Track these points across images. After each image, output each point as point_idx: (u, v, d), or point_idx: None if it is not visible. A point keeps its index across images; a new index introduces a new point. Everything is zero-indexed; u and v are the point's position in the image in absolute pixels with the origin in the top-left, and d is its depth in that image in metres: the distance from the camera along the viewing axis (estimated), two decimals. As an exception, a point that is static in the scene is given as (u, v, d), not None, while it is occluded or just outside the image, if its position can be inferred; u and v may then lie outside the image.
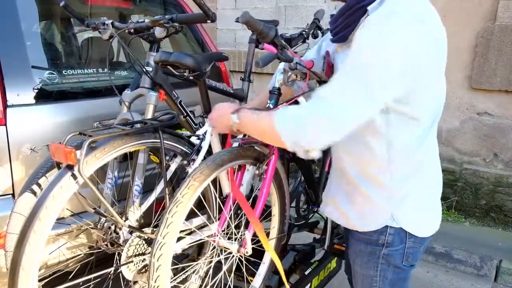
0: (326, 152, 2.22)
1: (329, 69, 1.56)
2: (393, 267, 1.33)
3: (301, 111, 1.17)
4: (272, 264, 1.79)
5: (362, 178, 1.29)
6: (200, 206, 1.55)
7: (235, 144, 1.53)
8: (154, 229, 1.59)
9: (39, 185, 1.46)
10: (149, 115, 1.69)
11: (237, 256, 1.53)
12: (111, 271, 1.57)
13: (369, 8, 1.16)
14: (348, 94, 1.08)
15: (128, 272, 1.57)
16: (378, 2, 1.15)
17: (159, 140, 1.53)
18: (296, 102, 2.10)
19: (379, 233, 1.30)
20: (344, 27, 1.24)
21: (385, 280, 1.35)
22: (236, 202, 1.53)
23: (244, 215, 1.56)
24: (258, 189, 1.61)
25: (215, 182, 1.53)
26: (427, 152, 1.29)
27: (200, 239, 1.58)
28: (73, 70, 2.05)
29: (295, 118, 1.14)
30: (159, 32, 1.67)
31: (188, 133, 1.82)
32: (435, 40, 1.15)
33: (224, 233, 1.52)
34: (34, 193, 1.44)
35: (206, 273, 1.58)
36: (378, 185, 1.27)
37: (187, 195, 1.28)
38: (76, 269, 1.69)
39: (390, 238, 1.29)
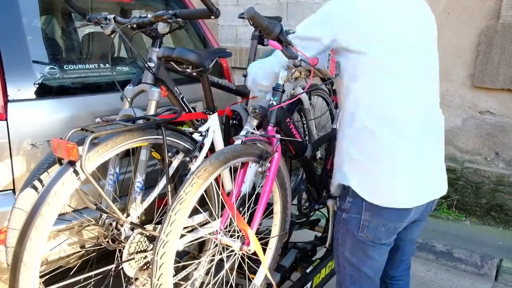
0: (328, 150, 2.22)
1: (334, 66, 1.55)
2: (351, 234, 1.45)
3: None
4: (273, 262, 1.78)
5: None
6: (202, 202, 1.54)
7: (238, 142, 1.52)
8: (156, 226, 1.58)
9: (40, 181, 1.44)
10: (151, 111, 1.67)
11: (239, 254, 1.52)
12: (112, 268, 1.56)
13: None
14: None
15: (129, 269, 1.56)
16: None
17: (161, 137, 1.51)
18: (300, 100, 2.11)
19: (342, 199, 1.47)
20: None
21: (345, 245, 1.48)
22: (238, 199, 1.52)
23: (246, 212, 1.56)
24: (260, 186, 1.60)
25: (217, 178, 1.52)
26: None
27: (202, 237, 1.57)
28: (74, 65, 2.03)
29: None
30: (162, 27, 1.66)
31: (191, 129, 1.80)
32: None
33: (226, 231, 1.51)
34: (36, 188, 1.43)
35: (208, 270, 1.57)
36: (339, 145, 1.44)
37: (191, 192, 1.27)
38: (77, 266, 1.68)
39: (348, 205, 1.44)
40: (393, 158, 1.36)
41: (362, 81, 1.36)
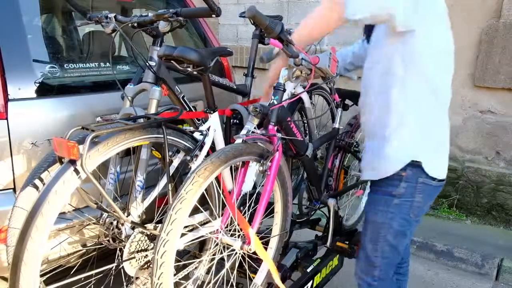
0: (328, 150, 2.22)
1: (335, 65, 1.55)
2: (400, 217, 1.54)
3: None
4: (274, 261, 1.78)
5: (381, 131, 1.53)
6: (202, 201, 1.54)
7: (239, 140, 1.52)
8: (157, 225, 1.58)
9: (41, 180, 1.44)
10: (152, 110, 1.67)
11: (240, 253, 1.52)
12: (113, 267, 1.56)
13: None
14: None
15: (130, 268, 1.56)
16: None
17: (162, 136, 1.51)
18: (300, 99, 2.10)
19: (394, 185, 1.52)
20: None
21: (391, 228, 1.55)
22: (239, 198, 1.52)
23: (247, 211, 1.56)
24: (261, 186, 1.60)
25: (217, 177, 1.52)
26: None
27: (203, 236, 1.57)
28: (74, 64, 2.03)
29: None
30: (162, 26, 1.65)
31: (191, 128, 1.80)
32: None
33: (227, 230, 1.51)
34: (36, 187, 1.43)
35: (209, 270, 1.57)
36: (396, 131, 1.49)
37: (191, 191, 1.26)
38: (77, 265, 1.68)
39: (402, 190, 1.51)
40: (446, 131, 1.60)
41: (430, 65, 1.46)
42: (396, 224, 1.55)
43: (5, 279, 1.82)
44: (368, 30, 1.56)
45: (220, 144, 1.76)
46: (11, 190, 1.76)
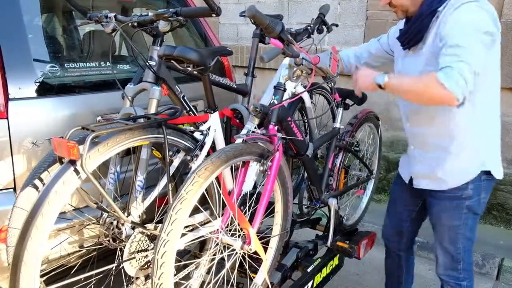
0: (329, 149, 2.21)
1: (335, 64, 1.55)
2: (472, 215, 1.73)
3: (457, 71, 1.38)
4: (274, 260, 1.78)
5: (445, 143, 1.66)
6: (203, 201, 1.54)
7: (239, 140, 1.52)
8: (157, 225, 1.58)
9: (41, 180, 1.44)
10: (152, 109, 1.67)
11: (240, 253, 1.52)
12: (113, 267, 1.55)
13: (439, 9, 1.51)
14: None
15: (130, 268, 1.56)
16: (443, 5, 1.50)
17: (162, 135, 1.51)
18: (301, 99, 2.10)
19: (462, 189, 1.68)
20: (417, 33, 1.57)
21: (467, 226, 1.74)
22: (240, 198, 1.52)
23: (248, 211, 1.55)
24: (262, 185, 1.60)
25: (218, 177, 1.51)
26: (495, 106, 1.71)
27: (203, 236, 1.57)
28: (75, 64, 2.03)
29: (457, 78, 1.37)
30: (162, 26, 1.65)
31: (192, 128, 1.80)
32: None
33: (227, 230, 1.51)
34: (36, 187, 1.43)
35: (209, 269, 1.57)
36: (465, 143, 1.63)
37: (192, 191, 1.26)
38: (77, 265, 1.67)
39: (471, 192, 1.67)
40: (498, 136, 1.76)
41: (492, 77, 1.64)
42: (471, 222, 1.74)
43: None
44: (408, 39, 1.62)
45: (221, 144, 1.76)
46: (12, 189, 1.76)
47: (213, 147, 1.70)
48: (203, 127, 1.69)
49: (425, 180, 1.80)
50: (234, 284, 1.64)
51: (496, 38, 1.50)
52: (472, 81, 1.37)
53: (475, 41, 1.41)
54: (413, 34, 1.59)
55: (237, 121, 1.94)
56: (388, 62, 1.97)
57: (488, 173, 1.68)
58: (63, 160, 1.34)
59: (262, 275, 1.74)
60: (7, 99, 1.71)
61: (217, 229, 1.50)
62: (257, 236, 1.50)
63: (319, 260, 2.10)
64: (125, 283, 1.61)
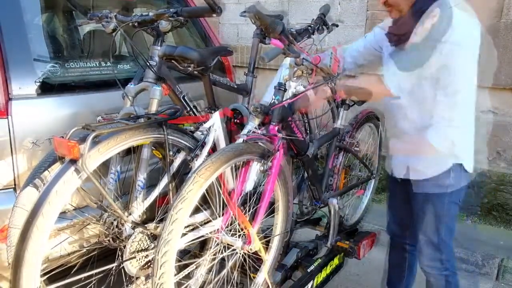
0: (329, 150, 2.21)
1: (336, 64, 1.55)
2: (454, 204, 1.79)
3: (396, 68, 1.59)
4: (275, 260, 1.78)
5: (425, 132, 1.70)
6: (203, 201, 1.54)
7: (240, 140, 1.52)
8: (158, 225, 1.58)
9: (41, 179, 1.44)
10: (153, 109, 1.67)
11: (241, 253, 1.52)
12: (113, 266, 1.55)
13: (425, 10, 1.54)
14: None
15: (130, 267, 1.56)
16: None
17: (163, 135, 1.51)
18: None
19: (443, 178, 1.72)
20: (406, 32, 1.60)
21: (449, 216, 1.81)
22: (240, 197, 1.52)
23: (248, 210, 1.55)
24: (262, 185, 1.60)
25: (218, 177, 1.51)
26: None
27: (204, 235, 1.57)
28: (75, 63, 2.03)
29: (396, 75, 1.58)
30: (163, 25, 1.65)
31: (192, 127, 1.80)
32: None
33: (228, 229, 1.51)
34: (37, 187, 1.43)
35: (210, 269, 1.57)
36: (441, 132, 1.69)
37: (192, 191, 1.26)
38: (78, 264, 1.67)
39: (452, 181, 1.73)
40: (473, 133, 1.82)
41: (468, 79, 1.70)
42: (453, 211, 1.82)
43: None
44: (397, 37, 1.67)
45: (222, 143, 1.76)
46: (12, 189, 1.76)
47: (213, 147, 1.69)
48: (204, 127, 1.69)
49: (404, 170, 1.86)
50: (235, 284, 1.64)
51: (463, 45, 1.57)
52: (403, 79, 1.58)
53: (423, 47, 1.53)
54: (402, 33, 1.63)
55: (235, 123, 1.93)
56: (375, 59, 2.00)
57: (461, 165, 1.75)
58: (63, 159, 1.34)
59: (262, 275, 1.74)
60: (8, 98, 1.71)
61: (218, 229, 1.50)
62: (258, 236, 1.50)
63: (320, 260, 2.10)
64: (125, 283, 1.61)
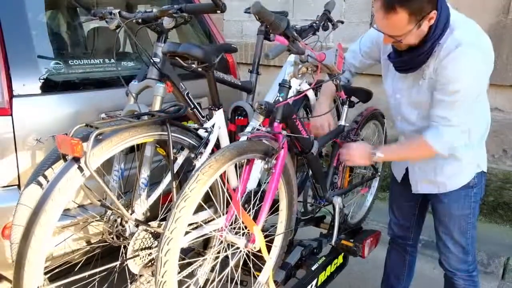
0: (334, 148, 2.20)
1: (341, 62, 1.54)
2: (477, 203, 1.83)
3: (447, 138, 1.61)
4: (279, 259, 1.77)
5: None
6: (207, 199, 1.53)
7: (244, 138, 1.51)
8: (161, 223, 1.57)
9: (45, 177, 1.44)
10: (156, 107, 1.66)
11: (244, 251, 1.51)
12: (117, 264, 1.55)
13: (440, 42, 1.52)
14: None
15: (134, 265, 1.56)
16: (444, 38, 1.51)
17: (166, 133, 1.50)
18: (306, 96, 2.09)
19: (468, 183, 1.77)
20: (419, 64, 1.59)
21: (475, 215, 1.84)
22: (244, 196, 1.51)
23: (252, 209, 1.54)
24: (266, 183, 1.59)
25: (222, 175, 1.50)
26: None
27: (207, 234, 1.56)
28: (79, 61, 2.02)
29: (447, 143, 1.62)
30: (167, 22, 1.64)
31: (196, 125, 1.79)
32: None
33: (231, 228, 1.50)
34: (40, 185, 1.43)
35: (213, 267, 1.57)
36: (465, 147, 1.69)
37: (196, 189, 1.26)
38: (81, 262, 1.67)
39: (476, 180, 1.78)
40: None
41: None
42: (476, 210, 1.84)
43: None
44: (408, 67, 1.64)
45: (225, 141, 1.75)
46: (16, 186, 1.76)
47: (217, 145, 1.69)
48: (208, 125, 1.68)
49: (425, 185, 1.87)
50: (238, 282, 1.63)
51: (490, 69, 1.56)
52: (460, 137, 1.61)
53: (471, 92, 1.53)
54: (414, 65, 1.61)
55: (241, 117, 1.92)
56: (369, 67, 2.01)
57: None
58: (66, 157, 1.34)
59: (266, 273, 1.74)
60: (11, 95, 1.71)
61: (221, 227, 1.49)
62: (261, 234, 1.49)
63: (324, 258, 2.09)
64: (129, 281, 1.61)
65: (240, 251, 1.51)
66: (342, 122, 2.22)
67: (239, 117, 1.92)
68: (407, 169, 1.92)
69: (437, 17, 1.46)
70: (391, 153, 1.82)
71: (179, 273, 1.35)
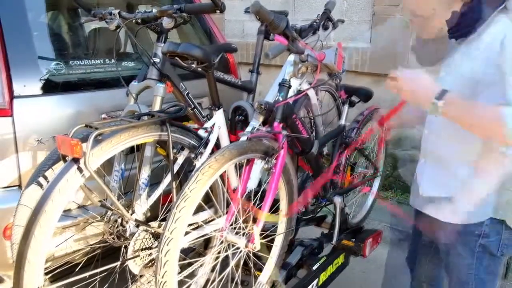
0: (335, 147, 2.20)
1: (341, 61, 1.53)
2: (489, 254, 1.42)
3: None
4: (279, 259, 1.77)
5: (471, 171, 1.35)
6: (207, 199, 1.53)
7: (244, 138, 1.51)
8: (161, 223, 1.57)
9: (45, 178, 1.44)
10: (156, 107, 1.66)
11: (245, 251, 1.51)
12: (117, 265, 1.55)
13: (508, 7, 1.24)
14: None
15: (134, 265, 1.56)
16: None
17: (166, 133, 1.50)
18: (306, 96, 2.08)
19: (476, 224, 1.38)
20: (472, 22, 1.28)
21: (481, 266, 1.44)
22: (244, 196, 1.51)
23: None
24: (266, 183, 1.58)
25: (222, 175, 1.50)
26: None
27: (208, 234, 1.56)
28: (80, 61, 2.03)
29: None
30: (167, 22, 1.64)
31: (196, 125, 1.79)
32: None
33: (231, 228, 1.50)
34: (40, 185, 1.43)
35: (214, 267, 1.56)
36: (485, 177, 1.33)
37: (196, 189, 1.26)
38: (82, 262, 1.68)
39: (487, 230, 1.38)
40: None
41: None
42: (487, 262, 1.44)
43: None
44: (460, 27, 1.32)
45: (225, 141, 1.75)
46: (17, 187, 1.76)
47: (217, 145, 1.68)
48: (208, 125, 1.68)
49: (430, 204, 1.51)
50: (239, 282, 1.63)
51: None
52: None
53: None
54: (466, 23, 1.30)
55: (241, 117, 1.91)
56: None
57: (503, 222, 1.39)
58: (66, 158, 1.34)
59: (267, 273, 1.74)
60: (12, 96, 1.71)
61: (222, 227, 1.49)
62: (262, 234, 1.49)
63: (325, 258, 2.09)
64: (129, 281, 1.61)
65: (241, 251, 1.51)
66: (342, 122, 2.22)
67: (239, 122, 1.88)
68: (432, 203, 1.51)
69: None
70: (455, 108, 1.25)
71: (179, 273, 1.35)
